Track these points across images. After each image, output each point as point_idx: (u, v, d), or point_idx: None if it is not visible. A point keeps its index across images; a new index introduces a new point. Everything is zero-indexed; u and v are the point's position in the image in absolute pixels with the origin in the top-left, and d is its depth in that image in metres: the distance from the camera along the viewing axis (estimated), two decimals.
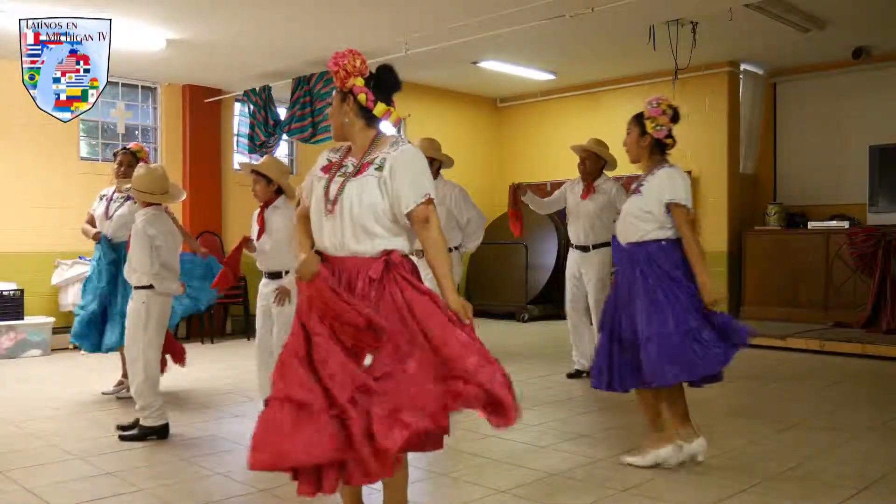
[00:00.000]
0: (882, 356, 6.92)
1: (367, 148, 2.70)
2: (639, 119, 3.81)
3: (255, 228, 4.76)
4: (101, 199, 5.70)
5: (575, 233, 6.01)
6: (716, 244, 9.35)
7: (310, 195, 2.77)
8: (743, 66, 9.35)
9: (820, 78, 9.34)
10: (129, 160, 5.63)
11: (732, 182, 9.34)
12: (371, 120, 2.72)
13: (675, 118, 3.78)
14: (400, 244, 2.67)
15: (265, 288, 4.69)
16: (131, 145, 5.82)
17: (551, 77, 9.98)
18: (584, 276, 5.95)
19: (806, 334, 7.58)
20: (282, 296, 4.53)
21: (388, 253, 2.61)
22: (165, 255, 4.33)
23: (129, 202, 5.51)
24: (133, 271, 4.35)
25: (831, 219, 8.78)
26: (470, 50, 7.40)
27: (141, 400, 4.31)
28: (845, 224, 8.50)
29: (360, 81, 2.67)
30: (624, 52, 8.69)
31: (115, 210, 5.52)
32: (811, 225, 8.82)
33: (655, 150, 3.81)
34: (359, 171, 2.65)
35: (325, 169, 2.75)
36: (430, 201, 2.63)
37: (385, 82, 2.72)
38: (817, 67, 9.30)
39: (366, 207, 2.59)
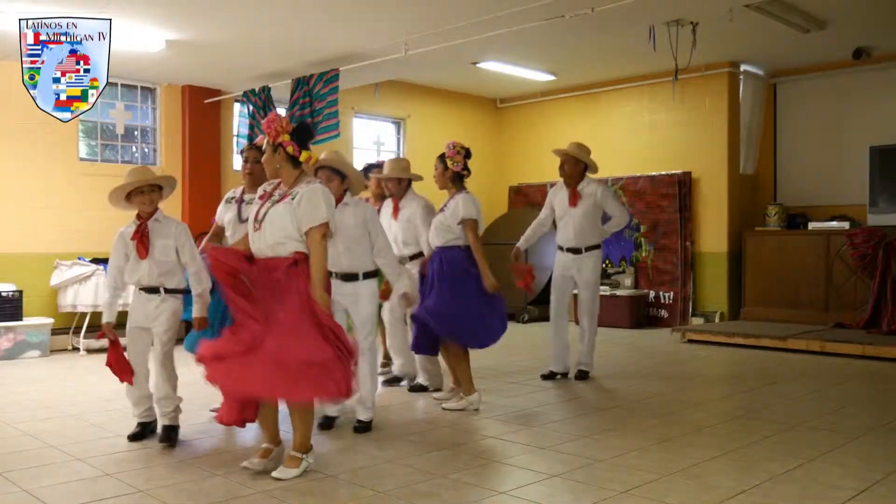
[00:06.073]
0: (882, 357, 6.92)
1: (291, 184, 3.63)
2: (442, 158, 4.97)
3: None
4: (227, 202, 4.92)
5: (565, 237, 6.05)
6: (716, 245, 9.35)
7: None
8: (743, 67, 9.35)
9: (820, 78, 9.34)
10: (256, 156, 4.99)
11: (732, 183, 9.33)
12: (296, 163, 3.64)
13: (467, 156, 4.99)
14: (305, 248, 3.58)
15: (340, 289, 4.35)
16: (257, 140, 5.28)
17: (551, 77, 9.98)
18: (578, 278, 6.04)
19: (806, 335, 7.58)
20: (408, 301, 4.69)
21: (296, 254, 3.53)
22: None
23: None
24: None
25: (831, 219, 8.78)
26: (470, 50, 7.38)
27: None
28: (845, 225, 8.49)
29: (286, 137, 3.59)
30: (624, 52, 8.69)
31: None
32: (811, 226, 8.82)
33: (456, 179, 4.98)
34: (281, 199, 3.59)
35: (262, 197, 3.70)
36: (323, 226, 3.52)
37: (303, 136, 3.65)
38: (817, 68, 9.30)
39: (278, 228, 3.52)
